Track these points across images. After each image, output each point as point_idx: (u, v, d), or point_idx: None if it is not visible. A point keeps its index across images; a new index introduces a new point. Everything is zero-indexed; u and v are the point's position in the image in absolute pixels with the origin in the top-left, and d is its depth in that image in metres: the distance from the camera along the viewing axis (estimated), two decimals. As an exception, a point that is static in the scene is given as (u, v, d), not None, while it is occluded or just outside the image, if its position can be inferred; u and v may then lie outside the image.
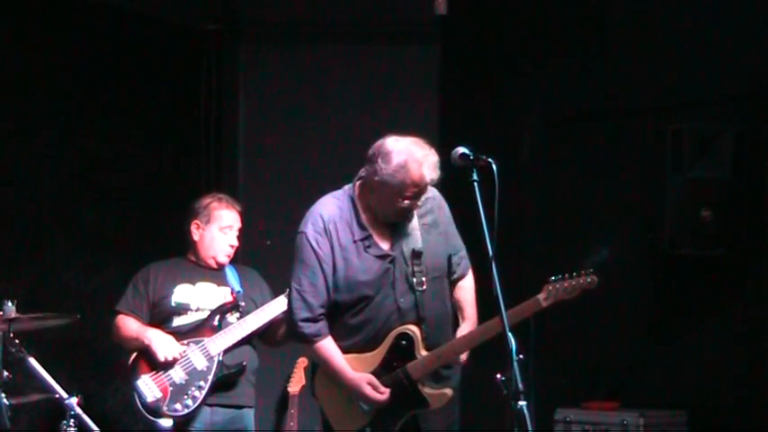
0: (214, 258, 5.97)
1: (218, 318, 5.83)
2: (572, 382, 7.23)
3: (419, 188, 5.00)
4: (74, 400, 5.05)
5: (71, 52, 6.87)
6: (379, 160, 5.04)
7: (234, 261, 6.09)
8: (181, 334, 5.79)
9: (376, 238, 5.11)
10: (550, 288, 4.99)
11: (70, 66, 6.87)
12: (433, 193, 5.20)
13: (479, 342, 5.05)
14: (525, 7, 7.45)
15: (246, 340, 5.87)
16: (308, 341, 5.09)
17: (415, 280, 5.08)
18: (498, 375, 4.93)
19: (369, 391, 5.03)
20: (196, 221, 5.98)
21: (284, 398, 6.97)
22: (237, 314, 5.86)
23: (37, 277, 6.49)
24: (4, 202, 6.51)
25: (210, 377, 5.73)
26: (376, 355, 5.10)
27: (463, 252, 5.29)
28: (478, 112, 7.48)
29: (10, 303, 5.14)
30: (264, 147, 7.78)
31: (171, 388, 5.69)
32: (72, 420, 5.05)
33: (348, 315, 5.11)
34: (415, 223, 5.16)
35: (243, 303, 5.87)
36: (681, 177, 6.94)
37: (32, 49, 6.66)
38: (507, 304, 4.67)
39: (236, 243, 6.01)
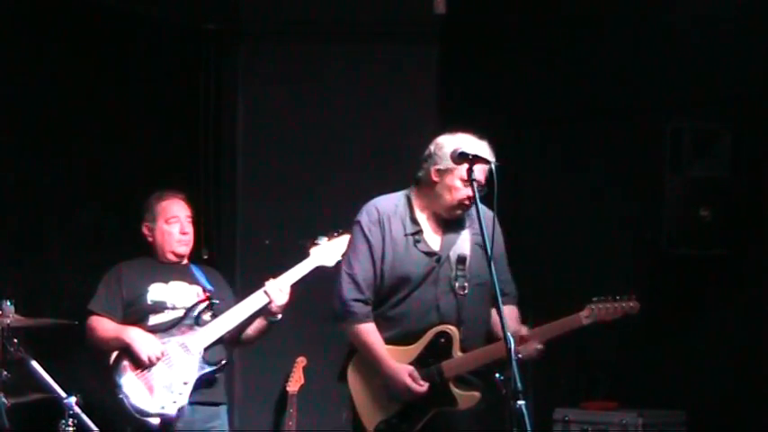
0: (172, 252, 5.98)
1: (193, 316, 5.82)
2: (571, 381, 7.24)
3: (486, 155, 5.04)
4: (72, 400, 5.05)
5: (70, 52, 6.86)
6: (437, 151, 5.20)
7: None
8: (158, 332, 5.77)
9: (426, 236, 5.24)
10: (593, 308, 5.09)
11: (69, 65, 6.86)
12: (493, 218, 5.15)
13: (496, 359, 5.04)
14: (524, 6, 7.45)
15: (217, 339, 5.86)
16: (357, 321, 5.18)
17: (457, 284, 5.18)
18: (497, 375, 4.95)
19: (409, 381, 5.10)
20: (145, 224, 6.02)
21: (283, 397, 6.98)
22: (210, 312, 5.85)
23: (35, 277, 6.47)
24: (2, 202, 6.50)
25: (194, 375, 5.72)
26: (413, 350, 5.17)
27: (508, 276, 5.35)
28: (477, 112, 7.48)
29: (8, 303, 5.13)
30: (264, 146, 7.78)
31: (156, 387, 5.67)
32: (71, 420, 5.05)
33: (388, 306, 5.21)
34: (466, 234, 5.25)
35: (217, 301, 5.87)
36: (680, 177, 6.94)
37: (31, 49, 6.65)
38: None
39: (188, 230, 6.00)
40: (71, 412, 5.04)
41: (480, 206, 5.16)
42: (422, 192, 5.27)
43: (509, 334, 4.57)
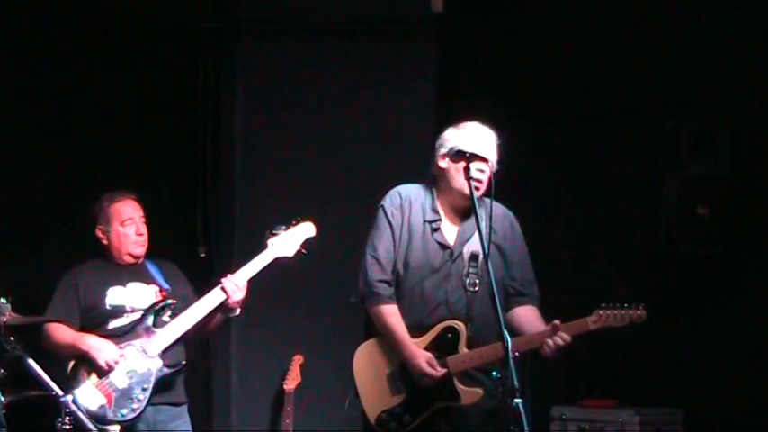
0: (128, 254, 5.89)
1: (151, 318, 5.77)
2: (569, 379, 7.23)
3: (475, 148, 5.20)
4: (69, 398, 5.03)
5: (68, 50, 6.84)
6: (442, 143, 5.32)
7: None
8: (116, 337, 5.70)
9: (444, 227, 5.30)
10: (601, 313, 5.15)
11: (66, 64, 6.84)
12: (509, 219, 5.36)
13: (524, 349, 5.07)
14: (522, 5, 7.45)
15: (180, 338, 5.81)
16: (382, 301, 5.23)
17: (468, 280, 5.22)
18: (494, 373, 4.96)
19: (426, 366, 5.12)
20: (99, 227, 5.92)
21: (280, 396, 6.97)
22: (169, 312, 5.81)
23: (32, 275, 6.46)
24: (-1, 200, 6.50)
25: (153, 378, 5.64)
26: (419, 342, 5.20)
27: (532, 277, 5.40)
28: (475, 111, 7.46)
29: (5, 300, 5.12)
30: (262, 144, 7.77)
31: (115, 393, 5.58)
32: (67, 418, 5.03)
33: (399, 293, 5.27)
34: (483, 232, 5.19)
35: (173, 300, 5.82)
36: (678, 175, 6.96)
37: (27, 47, 6.64)
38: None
39: (144, 231, 5.91)
40: (67, 410, 5.01)
41: (496, 204, 5.26)
42: (437, 185, 5.36)
43: (505, 332, 4.59)
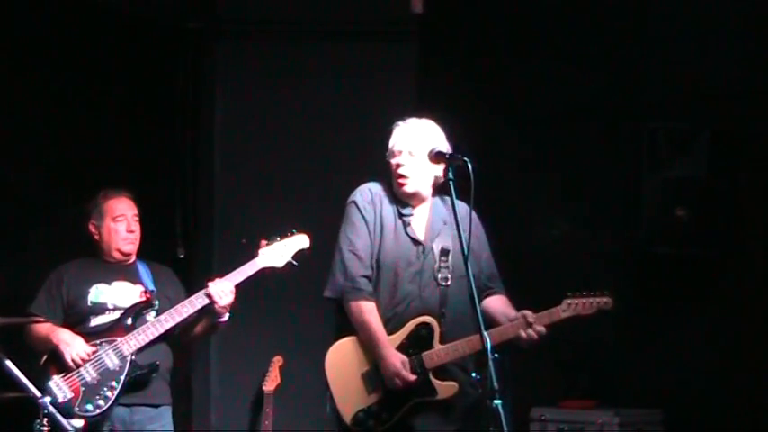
0: (117, 250, 5.95)
1: (131, 317, 5.79)
2: (548, 380, 7.25)
3: (398, 150, 5.32)
4: (47, 399, 5.01)
5: (48, 49, 6.82)
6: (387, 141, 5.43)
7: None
8: (95, 334, 5.73)
9: (414, 223, 5.34)
10: (570, 302, 5.20)
11: (47, 63, 6.82)
12: (470, 213, 5.22)
13: (497, 342, 5.07)
14: (502, 6, 7.46)
15: (161, 338, 5.82)
16: (363, 297, 5.24)
17: (440, 275, 5.26)
18: (474, 374, 4.97)
19: (401, 368, 5.14)
20: (92, 222, 5.99)
21: (259, 397, 6.97)
22: (154, 312, 5.83)
23: (14, 275, 6.44)
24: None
25: (123, 377, 5.67)
26: (394, 339, 5.22)
27: (496, 272, 5.47)
28: (455, 111, 7.47)
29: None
30: (242, 145, 7.76)
31: (83, 388, 5.63)
32: (45, 419, 5.01)
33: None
34: (449, 228, 5.31)
35: (157, 302, 5.85)
36: (657, 176, 6.97)
37: (8, 46, 6.62)
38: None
39: (135, 229, 5.97)
40: (46, 412, 5.00)
41: (456, 202, 5.23)
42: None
43: (485, 333, 4.60)
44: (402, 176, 5.31)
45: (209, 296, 5.73)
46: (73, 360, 5.64)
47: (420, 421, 5.22)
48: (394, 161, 5.34)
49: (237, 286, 5.77)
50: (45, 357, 5.71)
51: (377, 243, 5.30)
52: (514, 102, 7.56)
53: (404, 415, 5.19)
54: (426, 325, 5.20)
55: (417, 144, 5.30)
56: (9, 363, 5.01)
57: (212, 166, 7.79)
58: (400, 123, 5.43)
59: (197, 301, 5.77)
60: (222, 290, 5.74)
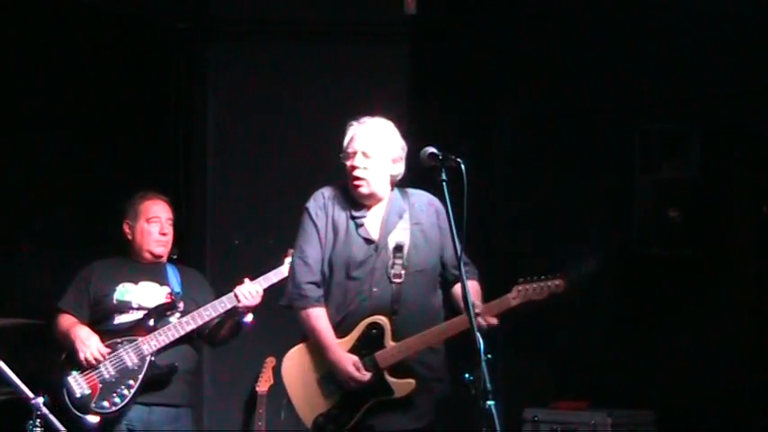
0: (149, 251, 6.03)
1: (154, 318, 5.85)
2: (540, 381, 7.25)
3: (352, 151, 5.29)
4: (40, 400, 5.01)
5: (40, 50, 6.81)
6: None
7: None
8: (117, 332, 5.81)
9: (368, 223, 5.31)
10: (520, 288, 5.12)
11: (39, 64, 6.81)
12: (435, 206, 5.34)
13: (448, 336, 5.13)
14: (495, 6, 7.46)
15: (185, 340, 5.89)
16: (309, 304, 5.26)
17: (393, 272, 5.23)
18: (466, 375, 4.96)
19: (352, 370, 5.15)
20: (126, 222, 6.09)
21: (252, 397, 6.96)
22: (178, 314, 5.88)
23: (4, 277, 6.44)
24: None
25: (140, 376, 5.76)
26: (346, 342, 5.23)
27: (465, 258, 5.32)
28: (448, 111, 7.49)
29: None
30: (234, 146, 7.75)
31: (101, 385, 5.73)
32: (38, 420, 5.02)
33: (325, 293, 5.29)
34: (404, 221, 5.32)
35: (181, 305, 5.91)
36: (649, 177, 6.97)
37: (1, 47, 6.60)
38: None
39: (167, 231, 6.07)
40: (38, 413, 5.00)
41: (419, 193, 5.35)
42: None
43: (477, 334, 4.58)
44: (357, 178, 5.29)
45: (236, 296, 5.84)
46: (86, 359, 5.70)
47: (382, 421, 5.22)
48: (349, 163, 5.31)
49: (265, 290, 5.90)
50: (65, 353, 5.78)
51: (329, 247, 5.30)
52: (505, 102, 7.57)
53: (364, 416, 5.21)
54: (376, 325, 5.20)
55: (373, 145, 5.30)
56: (1, 363, 5.01)
57: (205, 167, 7.78)
58: (354, 123, 5.40)
59: (220, 306, 5.88)
60: (249, 291, 5.84)
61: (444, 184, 4.88)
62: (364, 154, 5.29)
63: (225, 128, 7.81)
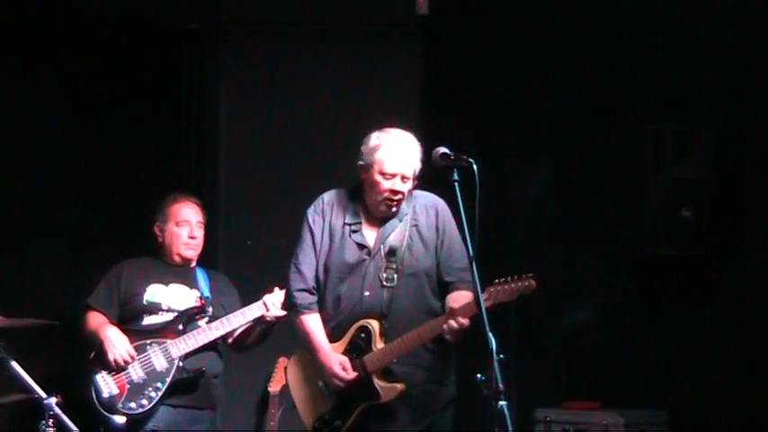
0: (178, 254, 6.06)
1: (183, 321, 5.88)
2: (553, 381, 7.24)
3: (392, 173, 5.21)
4: (53, 401, 5.03)
5: (50, 52, 6.83)
6: (361, 148, 5.33)
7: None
8: (146, 333, 5.84)
9: (365, 229, 5.33)
10: (491, 290, 5.05)
11: (49, 66, 6.83)
12: (436, 208, 5.35)
13: (429, 337, 5.13)
14: (507, 7, 7.45)
15: (211, 346, 5.90)
16: (299, 311, 5.32)
17: (385, 275, 5.26)
18: (478, 375, 4.95)
19: (338, 369, 5.20)
20: (157, 224, 6.12)
21: (265, 398, 6.96)
22: (207, 319, 5.90)
23: (16, 277, 6.46)
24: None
25: (168, 379, 5.79)
26: (339, 345, 5.29)
27: (463, 264, 5.30)
28: (460, 112, 7.48)
29: (-12, 303, 5.12)
30: (245, 147, 7.76)
31: (129, 386, 5.77)
32: (51, 420, 5.03)
33: (319, 299, 5.34)
34: (403, 225, 5.32)
35: (210, 309, 5.92)
36: (661, 177, 6.96)
37: (10, 49, 6.62)
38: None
39: (197, 235, 6.09)
40: (51, 413, 5.01)
41: (422, 195, 5.36)
42: (361, 188, 5.39)
43: (489, 334, 4.58)
44: (393, 201, 5.27)
45: (264, 305, 5.88)
46: (115, 360, 5.73)
47: (378, 425, 5.25)
48: (387, 184, 5.25)
49: None
50: (94, 352, 5.81)
51: (324, 252, 5.34)
52: (519, 103, 7.56)
53: (358, 420, 5.24)
54: (364, 329, 5.24)
55: (411, 168, 5.27)
56: (15, 364, 5.03)
57: (216, 168, 7.79)
58: (383, 136, 5.32)
59: (249, 313, 5.93)
60: (273, 301, 5.88)
61: (456, 184, 4.88)
62: (404, 178, 5.25)
63: (237, 129, 7.82)
